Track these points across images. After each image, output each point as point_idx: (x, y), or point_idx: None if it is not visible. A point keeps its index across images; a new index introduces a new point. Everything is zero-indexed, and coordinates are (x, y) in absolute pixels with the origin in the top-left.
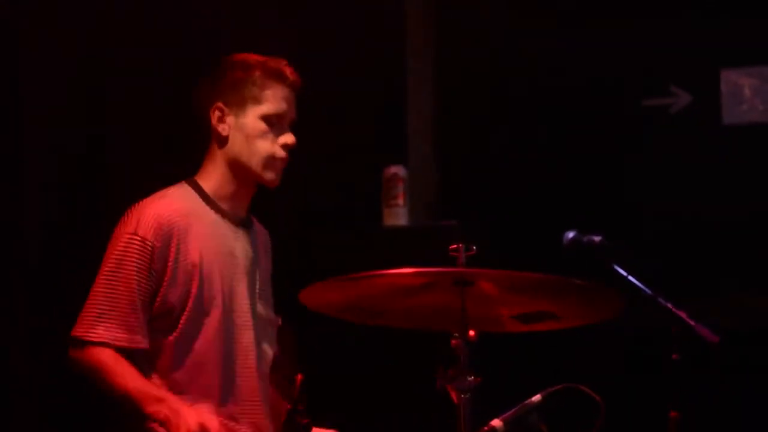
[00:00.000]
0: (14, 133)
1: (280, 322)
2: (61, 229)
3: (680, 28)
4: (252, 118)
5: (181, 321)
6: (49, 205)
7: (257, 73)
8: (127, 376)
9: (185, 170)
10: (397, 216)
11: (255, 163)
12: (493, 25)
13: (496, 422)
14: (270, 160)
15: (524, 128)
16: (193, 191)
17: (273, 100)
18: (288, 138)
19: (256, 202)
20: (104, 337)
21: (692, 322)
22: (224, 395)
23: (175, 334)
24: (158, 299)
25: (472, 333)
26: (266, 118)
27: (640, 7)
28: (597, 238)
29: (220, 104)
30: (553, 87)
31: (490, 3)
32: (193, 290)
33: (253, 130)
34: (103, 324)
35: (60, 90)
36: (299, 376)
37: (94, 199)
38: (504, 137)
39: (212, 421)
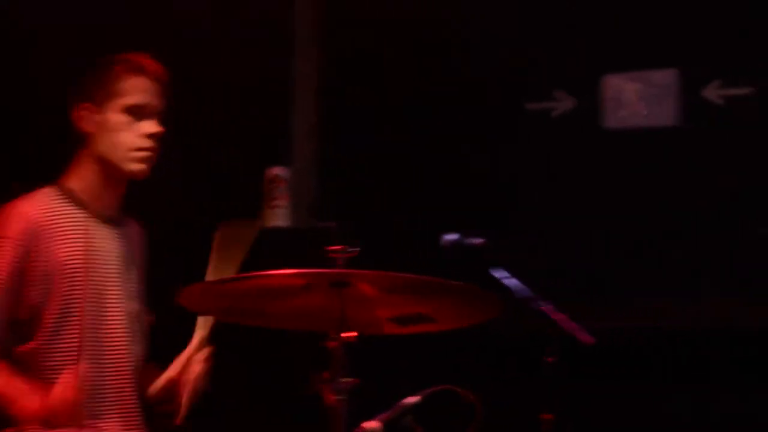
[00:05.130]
0: None
1: (152, 319)
2: None
3: (563, 32)
4: (114, 112)
5: (47, 323)
6: None
7: (117, 68)
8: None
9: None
10: (278, 217)
11: (119, 156)
12: (378, 27)
13: (370, 423)
14: (134, 152)
15: (406, 130)
16: (58, 192)
17: (133, 91)
18: (151, 127)
19: (139, 203)
20: None
21: (567, 324)
22: (92, 392)
23: (39, 337)
24: (22, 299)
25: (350, 334)
26: (128, 110)
27: (525, 10)
28: (477, 241)
29: (84, 104)
30: (435, 89)
31: (376, 4)
32: (59, 290)
33: (116, 123)
34: None
35: None
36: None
37: None
38: (385, 138)
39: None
